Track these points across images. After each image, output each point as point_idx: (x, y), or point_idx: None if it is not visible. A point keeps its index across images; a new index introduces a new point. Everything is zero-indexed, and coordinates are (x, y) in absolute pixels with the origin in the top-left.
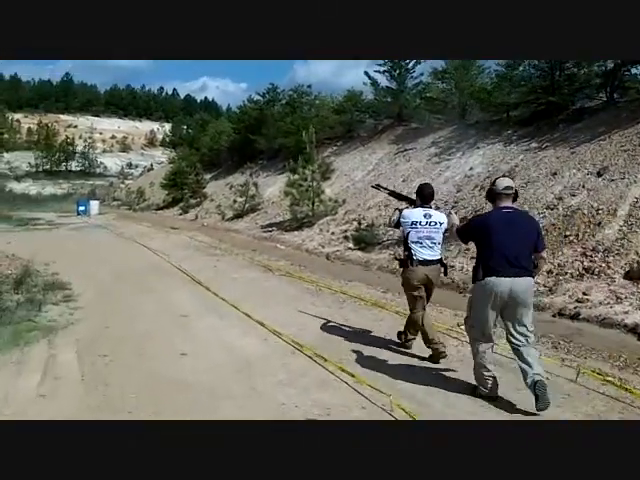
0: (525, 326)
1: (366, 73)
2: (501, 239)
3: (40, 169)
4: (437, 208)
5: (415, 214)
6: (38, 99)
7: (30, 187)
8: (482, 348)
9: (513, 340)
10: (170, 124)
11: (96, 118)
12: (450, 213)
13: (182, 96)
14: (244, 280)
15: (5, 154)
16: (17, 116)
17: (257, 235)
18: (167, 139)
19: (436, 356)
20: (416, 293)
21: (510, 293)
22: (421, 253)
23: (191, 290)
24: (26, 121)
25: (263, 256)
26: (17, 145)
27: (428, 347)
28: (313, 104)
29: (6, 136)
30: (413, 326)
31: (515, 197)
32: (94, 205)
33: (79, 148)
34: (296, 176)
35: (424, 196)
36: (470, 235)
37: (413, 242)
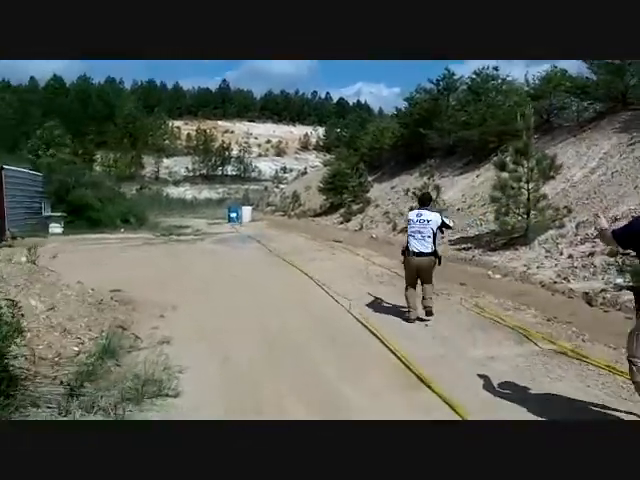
0: None
1: None
2: None
3: (197, 174)
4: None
5: (411, 215)
6: (198, 106)
7: (187, 191)
8: None
9: None
10: (323, 128)
11: (252, 123)
12: (597, 216)
13: (335, 100)
14: (521, 377)
15: (165, 159)
16: (177, 123)
17: (449, 254)
18: (321, 142)
19: (427, 313)
20: (409, 276)
21: None
22: (413, 245)
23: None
24: (186, 128)
25: (486, 297)
26: (177, 151)
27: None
28: (500, 90)
29: (167, 142)
30: (406, 298)
31: None
32: (246, 211)
33: (235, 153)
34: (505, 174)
35: (420, 200)
36: (629, 239)
37: (409, 236)
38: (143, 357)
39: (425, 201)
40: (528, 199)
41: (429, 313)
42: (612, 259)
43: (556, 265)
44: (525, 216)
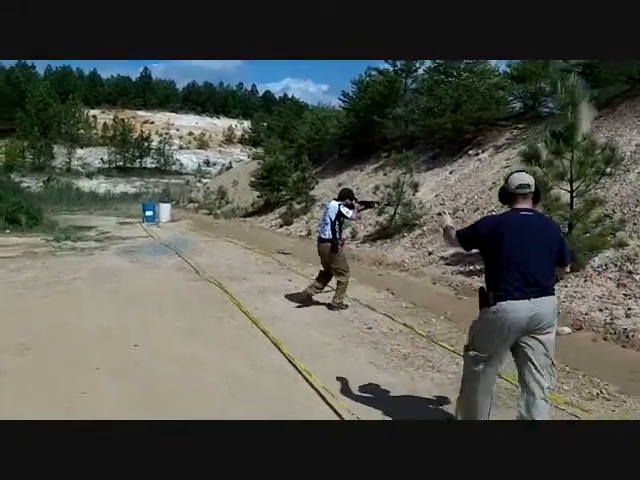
0: (543, 368)
1: None
2: (517, 249)
3: (113, 166)
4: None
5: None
6: (116, 95)
7: (100, 185)
8: (478, 386)
9: (525, 386)
10: (248, 121)
11: (173, 114)
12: (441, 213)
13: (260, 93)
14: None
15: (78, 150)
16: (94, 112)
17: (453, 280)
18: (247, 135)
19: (328, 306)
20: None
21: (530, 321)
22: (318, 232)
23: None
24: (103, 117)
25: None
26: (92, 141)
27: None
28: (474, 70)
29: (81, 132)
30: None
31: (536, 198)
32: (164, 209)
33: (154, 144)
34: (537, 169)
35: (339, 194)
36: (474, 240)
37: None
38: None
39: (343, 196)
40: (571, 205)
41: (329, 306)
42: None
43: None
44: (566, 229)
